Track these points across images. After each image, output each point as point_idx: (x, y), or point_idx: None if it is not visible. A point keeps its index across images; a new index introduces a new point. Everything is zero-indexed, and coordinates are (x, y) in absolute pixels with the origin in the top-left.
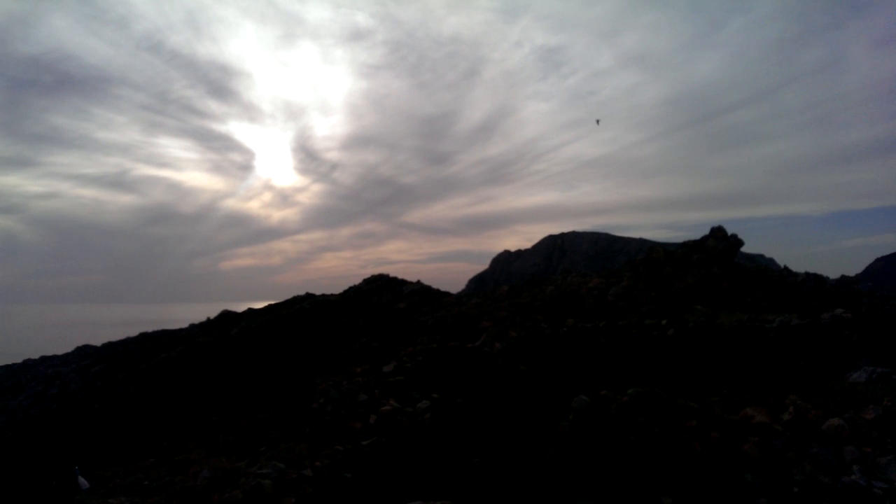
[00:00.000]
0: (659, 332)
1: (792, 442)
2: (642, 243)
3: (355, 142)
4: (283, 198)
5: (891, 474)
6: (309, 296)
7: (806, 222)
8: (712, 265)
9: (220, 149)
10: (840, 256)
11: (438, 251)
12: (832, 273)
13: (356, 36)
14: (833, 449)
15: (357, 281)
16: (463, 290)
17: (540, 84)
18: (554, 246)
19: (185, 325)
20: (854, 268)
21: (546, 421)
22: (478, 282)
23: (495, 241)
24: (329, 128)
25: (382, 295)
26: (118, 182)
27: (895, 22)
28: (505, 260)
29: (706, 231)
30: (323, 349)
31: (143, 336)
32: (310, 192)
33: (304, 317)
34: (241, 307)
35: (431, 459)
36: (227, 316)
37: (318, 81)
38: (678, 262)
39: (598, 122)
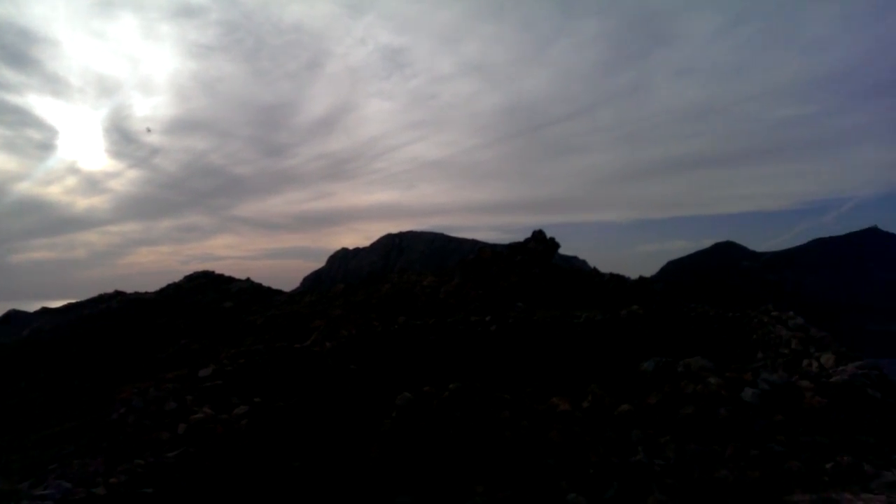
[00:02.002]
0: (483, 327)
1: (589, 427)
2: (475, 244)
3: (181, 126)
4: (92, 183)
5: (668, 452)
6: (118, 294)
7: (613, 228)
8: (533, 266)
9: (14, 123)
10: (640, 259)
11: (272, 247)
12: (633, 274)
13: (186, 12)
14: (623, 432)
15: (178, 278)
16: (298, 289)
17: (383, 83)
18: (392, 245)
19: None
20: (650, 269)
21: (373, 420)
22: (314, 280)
23: (333, 239)
24: (150, 109)
25: (206, 293)
26: None
27: (692, 55)
28: (343, 258)
29: (531, 234)
30: (134, 354)
31: None
32: (124, 178)
33: (111, 317)
34: (34, 306)
35: (248, 468)
36: (14, 316)
37: (140, 57)
38: (503, 262)
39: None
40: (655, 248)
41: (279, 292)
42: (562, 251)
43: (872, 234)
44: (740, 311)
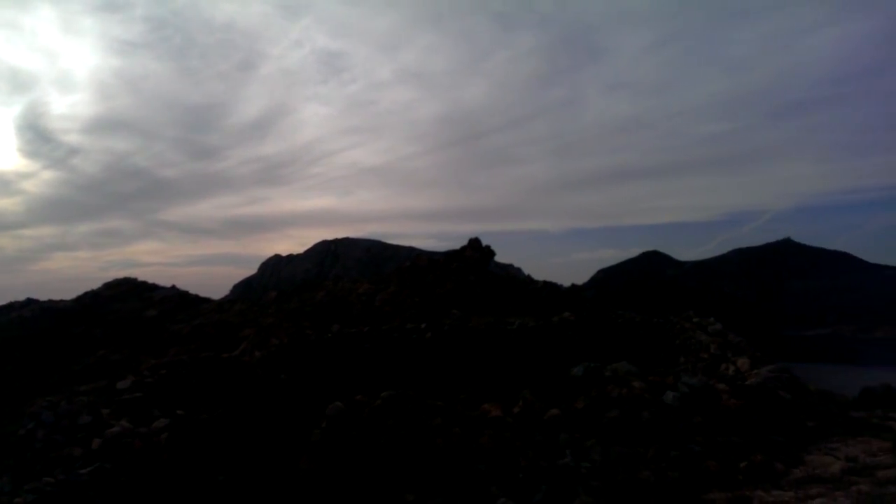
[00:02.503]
0: (418, 335)
1: (520, 432)
2: (412, 251)
3: (102, 125)
4: (3, 184)
5: (594, 455)
6: (31, 301)
7: (547, 237)
8: (469, 273)
9: None
10: (572, 267)
11: (200, 254)
12: (565, 281)
13: (109, 6)
14: (552, 436)
15: (96, 285)
16: (227, 297)
17: (320, 87)
18: (327, 251)
19: None
20: (582, 277)
21: (303, 430)
22: (244, 287)
23: (266, 245)
24: (68, 106)
25: (128, 301)
26: None
27: (623, 71)
28: (275, 264)
29: (467, 242)
30: (47, 365)
31: None
32: (39, 179)
33: (23, 326)
34: None
35: (168, 483)
36: None
37: (59, 52)
38: (440, 269)
39: None
40: (587, 256)
41: (207, 300)
42: (497, 259)
43: (787, 245)
44: (664, 318)
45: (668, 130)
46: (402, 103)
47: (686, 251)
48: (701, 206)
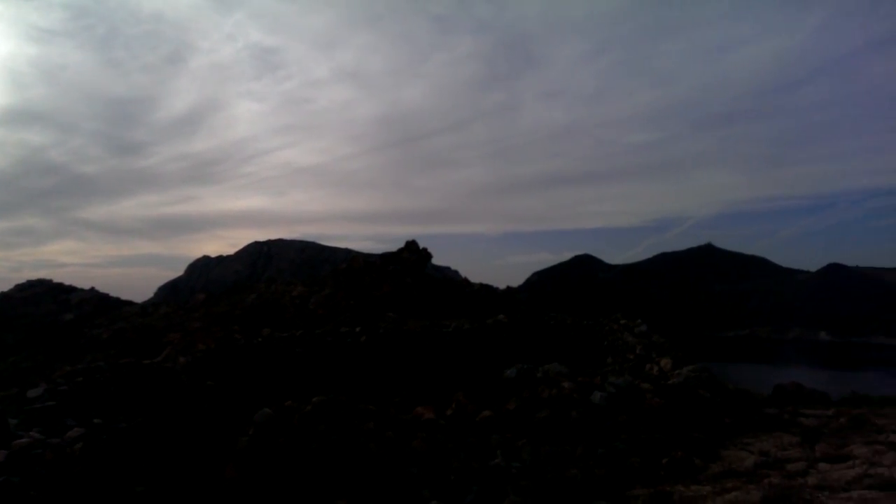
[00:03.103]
0: (353, 338)
1: (452, 434)
2: (348, 253)
3: (15, 117)
4: None
5: (524, 455)
6: None
7: (484, 240)
8: (405, 275)
9: None
10: (508, 270)
11: (123, 254)
12: (501, 284)
13: None
14: (484, 437)
15: (7, 287)
16: (151, 299)
17: (253, 83)
18: (260, 253)
19: None
20: (517, 280)
21: (229, 439)
22: (170, 289)
23: (194, 246)
24: None
25: (41, 304)
26: None
27: (558, 79)
28: (204, 266)
29: (404, 244)
30: None
31: None
32: None
33: None
34: None
35: (81, 496)
36: None
37: None
38: (376, 272)
39: None
40: (522, 259)
41: (129, 303)
42: (435, 261)
43: (708, 250)
44: (594, 320)
45: (600, 139)
46: (339, 102)
47: (616, 255)
48: (630, 212)
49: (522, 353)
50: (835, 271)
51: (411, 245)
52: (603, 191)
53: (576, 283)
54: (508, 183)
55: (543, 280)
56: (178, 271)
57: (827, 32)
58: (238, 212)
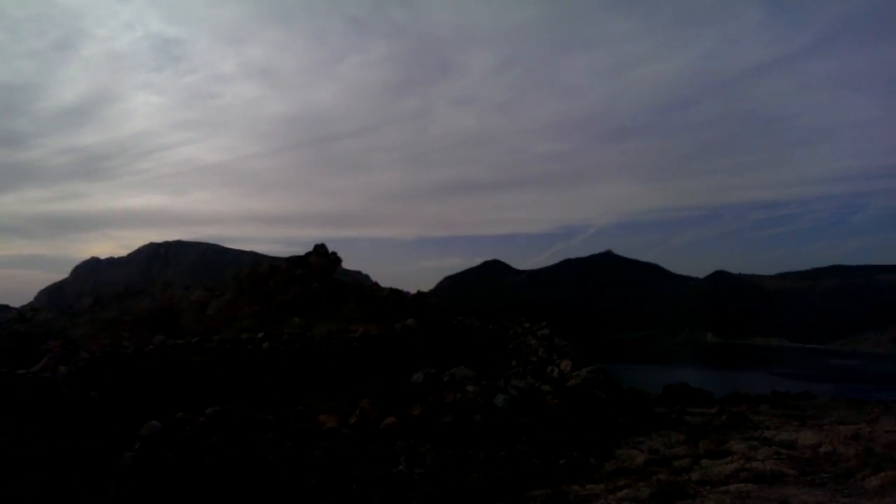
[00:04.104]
0: (254, 345)
1: (355, 443)
2: (253, 257)
3: None
4: None
5: (428, 460)
6: None
7: (397, 244)
8: (313, 280)
9: None
10: (419, 275)
11: (0, 254)
12: (412, 288)
13: None
14: (387, 444)
15: None
16: (31, 304)
17: (153, 75)
18: (156, 255)
19: None
20: (428, 285)
21: (112, 454)
22: (54, 293)
23: (82, 247)
24: None
25: None
26: None
27: (471, 88)
28: (92, 268)
29: (312, 247)
30: None
31: None
32: None
33: None
34: None
35: None
36: None
37: None
38: (282, 276)
39: None
40: (434, 264)
41: (6, 308)
42: (346, 265)
43: (608, 257)
44: (500, 324)
45: (510, 147)
46: (246, 99)
47: (523, 261)
48: (537, 219)
49: (431, 357)
50: (720, 278)
51: (320, 248)
52: (512, 198)
53: (485, 287)
54: (420, 188)
55: (454, 285)
56: (62, 274)
57: (716, 56)
58: (132, 211)
